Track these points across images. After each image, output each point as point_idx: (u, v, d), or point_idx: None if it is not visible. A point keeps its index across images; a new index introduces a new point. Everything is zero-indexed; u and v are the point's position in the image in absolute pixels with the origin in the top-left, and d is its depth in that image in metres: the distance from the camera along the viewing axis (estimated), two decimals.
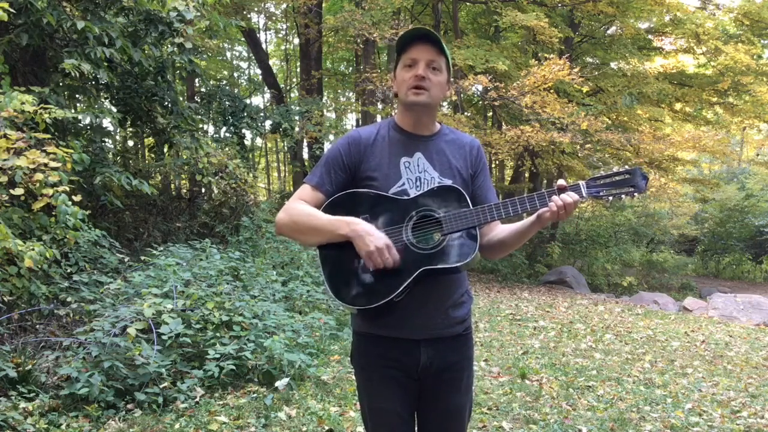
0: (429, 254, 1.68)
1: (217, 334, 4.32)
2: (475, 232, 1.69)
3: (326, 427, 3.61)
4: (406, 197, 1.74)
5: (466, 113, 14.75)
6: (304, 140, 13.07)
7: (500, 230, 1.83)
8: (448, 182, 1.77)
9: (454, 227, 1.67)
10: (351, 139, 1.81)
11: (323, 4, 14.59)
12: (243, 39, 15.72)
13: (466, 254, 1.66)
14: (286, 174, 22.87)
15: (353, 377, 4.55)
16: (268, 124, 10.85)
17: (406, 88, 1.74)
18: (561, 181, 1.67)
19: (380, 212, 1.72)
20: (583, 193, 1.66)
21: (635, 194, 1.66)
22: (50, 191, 3.83)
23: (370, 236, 1.63)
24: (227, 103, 9.67)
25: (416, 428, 1.88)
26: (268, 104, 15.06)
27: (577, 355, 5.94)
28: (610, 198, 1.67)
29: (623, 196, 1.66)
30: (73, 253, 5.11)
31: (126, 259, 5.68)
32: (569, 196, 1.64)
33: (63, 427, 3.36)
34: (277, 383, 4.10)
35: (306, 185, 1.80)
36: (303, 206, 1.75)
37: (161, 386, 3.79)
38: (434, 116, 1.84)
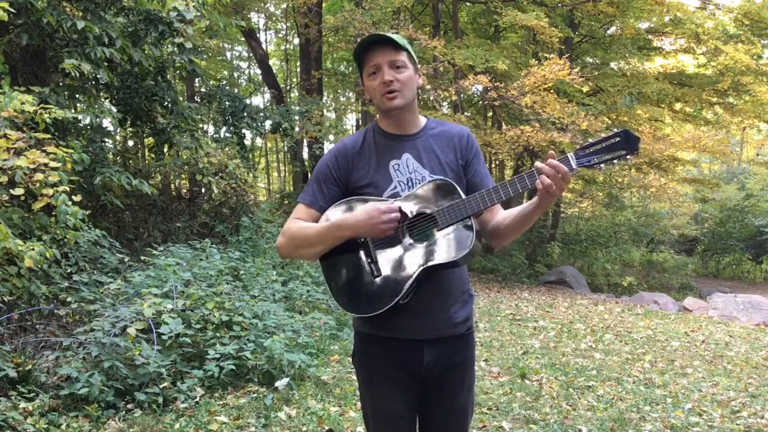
0: (428, 251, 1.67)
1: (217, 334, 4.32)
2: (471, 222, 1.66)
3: (326, 427, 3.61)
4: (399, 198, 1.73)
5: (466, 113, 14.75)
6: (304, 140, 13.08)
7: (504, 215, 1.80)
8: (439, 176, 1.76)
9: (449, 220, 1.65)
10: (337, 151, 1.82)
11: (323, 4, 14.59)
12: (243, 39, 15.72)
13: (464, 246, 1.65)
14: (286, 174, 22.88)
15: (353, 377, 4.55)
16: (268, 124, 10.85)
17: (378, 95, 1.74)
18: (551, 155, 1.61)
19: None
20: (572, 165, 1.59)
21: (628, 156, 1.58)
22: (50, 191, 3.83)
23: (367, 221, 1.63)
24: (227, 103, 9.67)
25: (418, 428, 1.88)
26: (268, 104, 15.07)
27: (577, 355, 5.94)
28: (602, 165, 1.59)
29: (616, 160, 1.58)
30: (73, 253, 5.10)
31: (126, 259, 5.67)
32: (558, 167, 1.58)
33: (63, 427, 3.36)
34: (277, 383, 4.10)
35: (300, 204, 1.82)
36: (297, 223, 1.78)
37: (161, 386, 3.79)
38: (415, 112, 1.83)
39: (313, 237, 1.72)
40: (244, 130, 10.05)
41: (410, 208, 1.71)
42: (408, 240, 1.69)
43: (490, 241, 1.86)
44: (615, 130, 1.61)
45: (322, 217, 1.77)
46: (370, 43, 1.73)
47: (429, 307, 1.75)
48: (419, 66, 1.83)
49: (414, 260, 1.68)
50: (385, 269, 1.70)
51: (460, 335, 1.82)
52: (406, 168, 1.78)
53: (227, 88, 12.29)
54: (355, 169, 1.79)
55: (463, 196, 1.67)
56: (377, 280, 1.70)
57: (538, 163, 1.61)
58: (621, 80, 13.64)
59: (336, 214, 1.76)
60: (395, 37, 1.72)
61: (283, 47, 20.05)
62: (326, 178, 1.80)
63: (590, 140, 1.65)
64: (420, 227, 1.70)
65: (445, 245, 1.67)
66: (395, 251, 1.70)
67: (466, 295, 1.85)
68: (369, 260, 1.72)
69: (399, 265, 1.69)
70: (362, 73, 1.79)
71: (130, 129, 8.68)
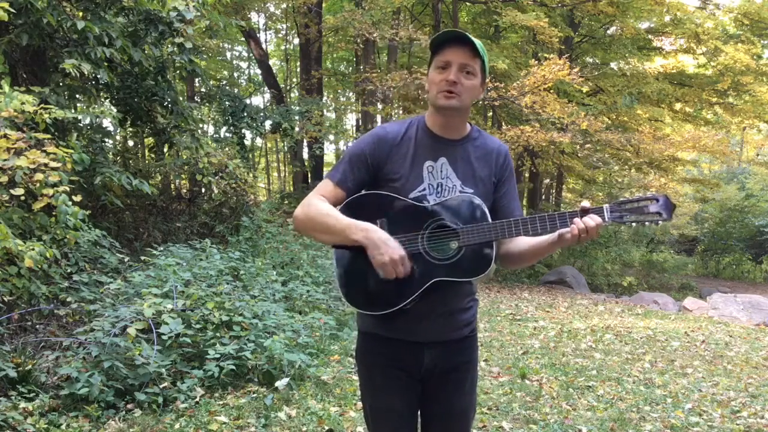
0: (443, 265, 1.65)
1: (217, 334, 4.32)
2: (492, 247, 1.65)
3: (326, 427, 3.61)
4: (426, 203, 1.70)
5: None
6: (304, 140, 13.09)
7: (520, 243, 1.78)
8: (470, 191, 1.73)
9: (471, 240, 1.63)
10: (377, 137, 1.76)
11: (323, 4, 14.60)
12: (243, 39, 15.72)
13: (481, 269, 1.64)
14: (286, 174, 22.89)
15: (353, 377, 4.55)
16: (268, 124, 10.86)
17: (436, 90, 1.69)
18: (585, 203, 1.62)
19: (398, 217, 1.68)
20: (606, 218, 1.62)
21: (659, 222, 1.62)
22: (50, 191, 3.82)
23: (386, 246, 1.59)
24: (227, 103, 9.67)
25: (419, 428, 1.88)
26: (268, 104, 15.07)
27: (577, 355, 5.94)
28: (633, 224, 1.64)
29: (648, 222, 1.62)
30: (73, 253, 5.10)
31: (126, 259, 5.67)
32: (592, 219, 1.60)
33: (63, 427, 3.36)
34: (277, 383, 4.10)
35: (328, 181, 1.75)
36: (321, 204, 1.70)
37: (161, 386, 3.79)
38: (465, 119, 1.79)
39: (332, 227, 1.67)
40: (244, 130, 10.06)
41: (436, 215, 1.68)
42: (425, 248, 1.67)
43: (500, 263, 1.85)
44: (653, 192, 1.66)
45: (347, 200, 1.73)
46: (450, 39, 1.68)
47: (432, 314, 1.74)
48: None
49: (427, 271, 1.65)
50: None
51: (463, 337, 1.82)
52: (439, 172, 1.74)
53: (227, 88, 12.31)
54: (390, 160, 1.74)
55: (490, 219, 1.65)
56: (387, 281, 1.66)
57: (574, 216, 1.64)
58: (621, 80, 13.66)
59: (359, 204, 1.72)
60: (477, 43, 1.67)
61: (283, 47, 20.06)
62: (360, 161, 1.74)
63: (627, 197, 1.68)
64: (440, 239, 1.67)
65: (462, 264, 1.64)
66: (411, 257, 1.66)
67: (470, 301, 1.84)
68: None
69: (411, 272, 1.66)
70: (431, 62, 1.74)
71: (130, 129, 8.69)
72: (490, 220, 1.66)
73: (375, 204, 1.71)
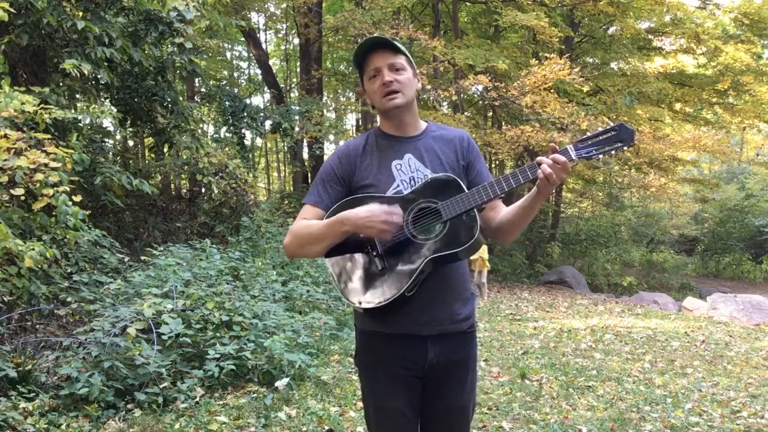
0: (433, 243, 1.70)
1: (217, 334, 4.32)
2: (474, 214, 1.70)
3: (326, 427, 3.61)
4: (403, 194, 1.76)
5: (466, 113, 14.75)
6: (304, 140, 13.09)
7: (507, 210, 1.84)
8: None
9: (453, 212, 1.69)
10: (341, 152, 1.86)
11: (323, 4, 14.59)
12: (243, 39, 15.72)
13: (468, 237, 1.68)
14: (286, 174, 22.88)
15: (353, 377, 4.55)
16: (268, 124, 10.86)
17: (379, 97, 1.78)
18: (552, 148, 1.66)
19: None
20: (572, 156, 1.65)
21: (624, 148, 1.66)
22: (50, 191, 3.83)
23: (368, 219, 1.65)
24: (227, 103, 9.67)
25: (419, 427, 1.88)
26: (268, 104, 15.07)
27: (577, 355, 5.94)
28: (601, 156, 1.67)
29: (613, 151, 1.66)
30: (73, 253, 5.10)
31: (126, 259, 5.67)
32: (558, 156, 1.63)
33: (63, 427, 3.36)
34: (277, 383, 4.10)
35: (305, 205, 1.83)
36: (301, 222, 1.79)
37: (161, 386, 3.79)
38: (415, 114, 1.86)
39: (317, 233, 1.74)
40: (244, 130, 10.06)
41: (415, 201, 1.73)
42: (412, 233, 1.72)
43: (497, 238, 1.89)
44: (611, 124, 1.67)
45: (327, 215, 1.79)
46: (369, 47, 1.77)
47: (433, 302, 1.77)
48: (418, 69, 1.86)
49: (419, 252, 1.70)
50: (391, 262, 1.72)
51: (463, 332, 1.84)
52: (408, 167, 1.80)
53: (227, 88, 12.31)
54: (358, 169, 1.81)
55: (466, 190, 1.71)
56: (383, 273, 1.72)
57: (539, 158, 1.66)
58: (621, 80, 13.66)
59: (340, 211, 1.77)
60: (394, 41, 1.77)
61: (283, 47, 20.06)
62: (330, 178, 1.82)
63: (588, 133, 1.70)
64: (424, 221, 1.72)
65: (451, 237, 1.69)
66: (400, 244, 1.72)
67: (468, 293, 1.87)
68: (374, 254, 1.73)
69: (404, 257, 1.71)
70: (363, 77, 1.83)
71: (130, 129, 8.70)
72: (465, 189, 1.71)
73: (356, 207, 1.75)
